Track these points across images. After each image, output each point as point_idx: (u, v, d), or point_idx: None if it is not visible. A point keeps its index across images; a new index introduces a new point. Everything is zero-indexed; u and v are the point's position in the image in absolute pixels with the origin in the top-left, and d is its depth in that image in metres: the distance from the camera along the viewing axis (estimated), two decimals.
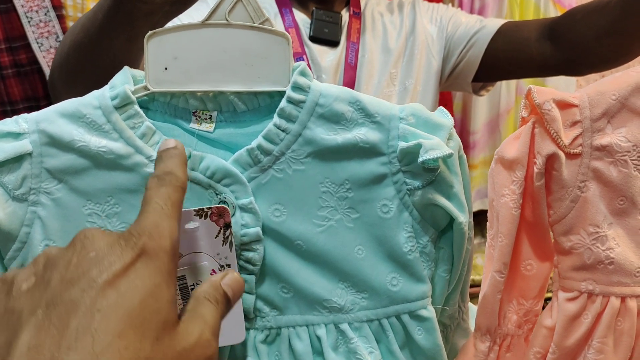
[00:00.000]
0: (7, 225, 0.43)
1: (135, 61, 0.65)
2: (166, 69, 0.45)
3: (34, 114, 0.45)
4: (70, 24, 1.39)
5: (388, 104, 0.46)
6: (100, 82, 0.46)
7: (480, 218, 1.38)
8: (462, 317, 0.55)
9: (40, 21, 1.38)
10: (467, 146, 1.43)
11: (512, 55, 0.97)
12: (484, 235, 1.35)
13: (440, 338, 0.47)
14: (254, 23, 0.44)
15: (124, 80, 0.45)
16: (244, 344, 0.45)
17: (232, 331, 0.45)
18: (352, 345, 0.46)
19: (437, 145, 0.44)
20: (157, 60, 0.44)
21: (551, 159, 0.51)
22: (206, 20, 0.44)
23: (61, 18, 1.40)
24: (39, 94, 1.45)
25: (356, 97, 0.46)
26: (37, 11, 1.38)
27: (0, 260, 0.45)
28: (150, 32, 0.44)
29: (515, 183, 0.51)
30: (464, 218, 0.46)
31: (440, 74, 1.05)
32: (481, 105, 1.42)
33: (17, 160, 0.43)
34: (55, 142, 0.44)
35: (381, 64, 1.00)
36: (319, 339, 0.46)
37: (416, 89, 1.01)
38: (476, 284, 0.95)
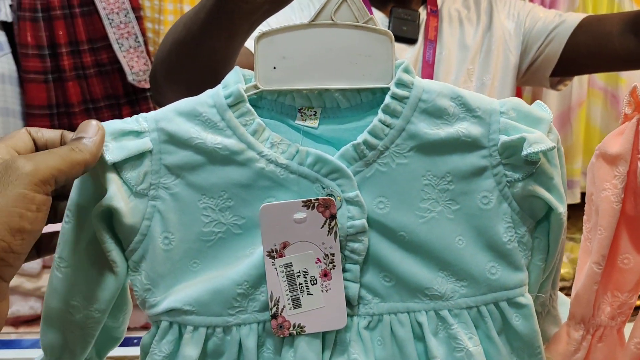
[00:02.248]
0: (130, 219, 0.46)
1: (232, 58, 0.68)
2: (275, 68, 0.47)
3: (153, 113, 0.48)
4: (148, 25, 1.46)
5: (489, 99, 0.47)
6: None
7: None
8: (552, 305, 0.56)
9: (121, 22, 1.45)
10: None
11: (594, 50, 0.96)
12: None
13: (537, 324, 0.49)
14: (358, 22, 0.46)
15: (236, 80, 0.47)
16: (348, 329, 0.48)
17: (335, 317, 0.47)
18: (452, 331, 0.47)
19: (540, 139, 0.44)
20: (267, 59, 0.47)
21: None
22: (313, 20, 0.46)
23: (139, 19, 1.47)
24: (119, 92, 1.53)
25: (458, 92, 0.47)
26: (117, 13, 1.45)
27: (122, 251, 0.48)
28: (259, 33, 0.47)
29: (617, 178, 0.52)
30: (562, 209, 0.47)
31: (518, 69, 1.05)
32: (552, 98, 1.40)
33: (139, 157, 0.46)
34: (174, 140, 0.47)
35: (458, 61, 1.01)
36: (420, 325, 0.48)
37: (493, 84, 1.01)
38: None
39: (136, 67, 1.45)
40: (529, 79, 1.08)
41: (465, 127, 0.46)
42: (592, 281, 0.54)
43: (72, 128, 0.45)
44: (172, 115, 0.47)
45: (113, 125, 0.46)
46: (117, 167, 0.46)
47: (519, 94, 1.43)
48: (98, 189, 0.46)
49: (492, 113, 0.47)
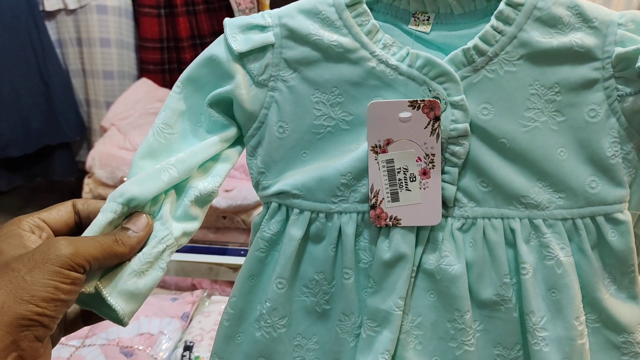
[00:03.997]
0: (250, 106, 0.51)
1: None
2: None
3: (276, 10, 0.52)
4: None
5: (607, 10, 0.47)
6: None
7: None
8: None
9: None
10: None
11: None
12: None
13: (632, 242, 0.49)
14: None
15: None
16: (441, 229, 0.50)
17: (430, 214, 0.50)
18: (545, 240, 0.49)
19: None
20: None
21: None
22: None
23: None
24: None
25: (575, 1, 0.47)
26: None
27: (241, 136, 0.53)
28: None
29: None
30: None
31: None
32: None
33: (262, 50, 0.51)
34: (294, 35, 0.50)
35: None
36: (512, 231, 0.49)
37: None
38: None
39: (243, 5, 1.50)
40: None
41: (579, 38, 0.46)
42: None
43: (180, 62, 0.49)
44: (294, 12, 0.51)
45: (242, 19, 0.51)
46: (243, 57, 0.50)
47: None
48: (219, 75, 0.51)
49: (609, 24, 0.46)
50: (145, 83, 1.52)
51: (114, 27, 1.60)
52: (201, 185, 0.50)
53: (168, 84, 1.61)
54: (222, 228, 1.23)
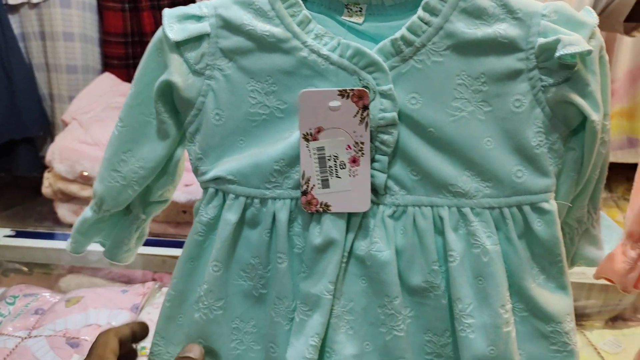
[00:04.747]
0: (187, 94, 0.52)
1: None
2: None
3: (213, 0, 0.52)
4: None
5: (532, 1, 0.48)
6: None
7: (610, 172, 1.33)
8: (591, 224, 0.56)
9: None
10: None
11: None
12: (611, 190, 1.29)
13: (559, 231, 0.50)
14: None
15: None
16: (373, 216, 0.51)
17: (359, 201, 0.50)
18: (472, 228, 0.50)
19: (577, 41, 0.45)
20: None
21: None
22: None
23: None
24: None
25: None
26: None
27: (177, 124, 0.55)
28: None
29: None
30: (596, 117, 0.47)
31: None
32: (624, 52, 1.33)
33: (198, 39, 0.52)
34: (229, 25, 0.51)
35: None
36: (441, 219, 0.50)
37: None
38: None
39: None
40: (602, 22, 1.05)
41: (503, 29, 0.48)
42: None
43: None
44: (229, 3, 0.51)
45: (179, 9, 0.52)
46: (179, 46, 0.52)
47: None
48: (161, 65, 0.53)
49: (533, 15, 0.47)
50: (109, 77, 1.51)
51: (78, 21, 1.59)
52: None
53: (132, 78, 1.60)
54: (182, 223, 1.23)
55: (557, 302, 0.51)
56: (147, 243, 0.66)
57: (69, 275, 1.24)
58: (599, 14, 1.02)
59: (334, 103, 0.49)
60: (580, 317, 1.33)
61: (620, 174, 1.32)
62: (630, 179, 1.37)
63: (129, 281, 1.18)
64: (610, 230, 0.58)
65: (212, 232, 0.54)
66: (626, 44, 1.33)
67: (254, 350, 0.55)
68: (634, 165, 1.32)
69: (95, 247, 0.64)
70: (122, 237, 0.62)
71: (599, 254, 0.57)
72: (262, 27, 0.50)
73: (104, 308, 0.96)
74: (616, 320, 1.40)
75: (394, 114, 0.49)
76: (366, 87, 0.49)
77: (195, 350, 0.55)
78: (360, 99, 0.49)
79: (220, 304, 0.54)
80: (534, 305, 0.51)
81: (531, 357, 0.52)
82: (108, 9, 1.59)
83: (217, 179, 0.53)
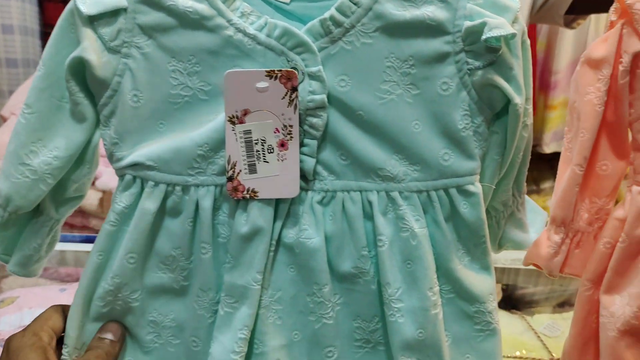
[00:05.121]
0: (102, 73, 0.48)
1: None
2: None
3: None
4: None
5: None
6: None
7: (555, 162, 1.37)
8: (516, 207, 0.57)
9: None
10: (547, 86, 1.41)
11: None
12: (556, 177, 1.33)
13: (484, 213, 0.50)
14: None
15: None
16: (301, 202, 0.50)
17: (288, 187, 0.49)
18: (400, 212, 0.49)
19: (502, 24, 0.45)
20: None
21: (637, 57, 0.54)
22: None
23: None
24: None
25: None
26: None
27: (93, 106, 0.51)
28: None
29: (600, 81, 0.54)
30: (519, 100, 0.48)
31: (532, 5, 1.04)
32: (566, 44, 1.38)
33: (114, 14, 0.48)
34: (148, 0, 0.48)
35: None
36: (370, 203, 0.50)
37: None
38: None
39: None
40: (543, 16, 1.07)
41: (431, 11, 0.47)
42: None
43: None
44: None
45: None
46: (93, 21, 0.48)
47: (533, 38, 1.41)
48: (74, 41, 0.49)
49: None
50: None
51: (17, 12, 1.51)
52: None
53: None
54: None
55: (481, 283, 0.52)
56: (92, 240, 0.61)
57: (11, 277, 1.17)
58: (541, 8, 1.05)
59: (262, 84, 0.47)
60: (530, 303, 1.37)
61: None
62: None
63: (72, 280, 1.13)
64: (535, 213, 0.59)
65: (126, 222, 0.50)
66: (568, 36, 1.37)
67: (172, 344, 0.53)
68: None
69: None
70: (31, 245, 0.55)
71: (525, 237, 0.58)
72: (185, 2, 0.48)
73: (40, 308, 0.90)
74: (563, 305, 1.45)
75: (323, 97, 0.48)
76: (294, 68, 0.48)
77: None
78: (289, 80, 0.47)
79: (135, 296, 0.51)
80: (459, 287, 0.51)
81: (457, 337, 0.52)
82: (49, 0, 1.53)
83: (134, 165, 0.49)
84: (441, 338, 0.50)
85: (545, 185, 1.28)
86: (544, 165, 1.32)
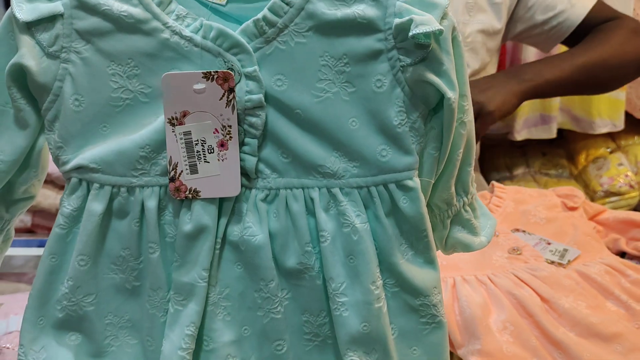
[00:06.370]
0: (42, 79, 0.49)
1: None
2: None
3: None
4: None
5: None
6: None
7: (526, 149, 1.38)
8: (463, 208, 0.56)
9: None
10: None
11: None
12: (528, 165, 1.34)
13: (424, 208, 0.51)
14: None
15: None
16: (245, 200, 0.51)
17: (229, 185, 0.50)
18: (342, 208, 0.50)
19: (428, 21, 0.46)
20: None
21: None
22: None
23: None
24: None
25: None
26: None
27: (36, 111, 0.52)
28: None
29: None
30: (452, 94, 0.49)
31: (504, 34, 1.09)
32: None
33: (51, 20, 0.49)
34: (83, 5, 0.49)
35: None
36: (312, 200, 0.51)
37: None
38: None
39: None
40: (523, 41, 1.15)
41: (361, 9, 0.48)
42: None
43: None
44: None
45: None
46: (31, 28, 0.49)
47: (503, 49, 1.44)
48: (13, 48, 0.49)
49: None
50: None
51: None
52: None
53: None
54: None
55: (425, 276, 0.53)
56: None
57: None
58: (515, 37, 1.10)
59: (199, 86, 0.48)
60: None
61: (536, 149, 1.38)
62: (545, 154, 1.43)
63: None
64: (486, 218, 0.59)
65: (75, 225, 0.51)
66: None
67: (130, 345, 0.54)
68: (549, 141, 1.38)
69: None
70: None
71: (473, 239, 0.57)
72: (119, 7, 0.48)
73: None
74: None
75: (260, 96, 0.48)
76: (231, 69, 0.48)
77: None
78: (226, 81, 0.48)
79: (90, 300, 0.52)
80: (403, 280, 0.52)
81: (403, 330, 0.53)
82: None
83: (79, 168, 0.50)
84: (386, 331, 0.52)
85: (518, 171, 1.29)
86: (516, 152, 1.33)
